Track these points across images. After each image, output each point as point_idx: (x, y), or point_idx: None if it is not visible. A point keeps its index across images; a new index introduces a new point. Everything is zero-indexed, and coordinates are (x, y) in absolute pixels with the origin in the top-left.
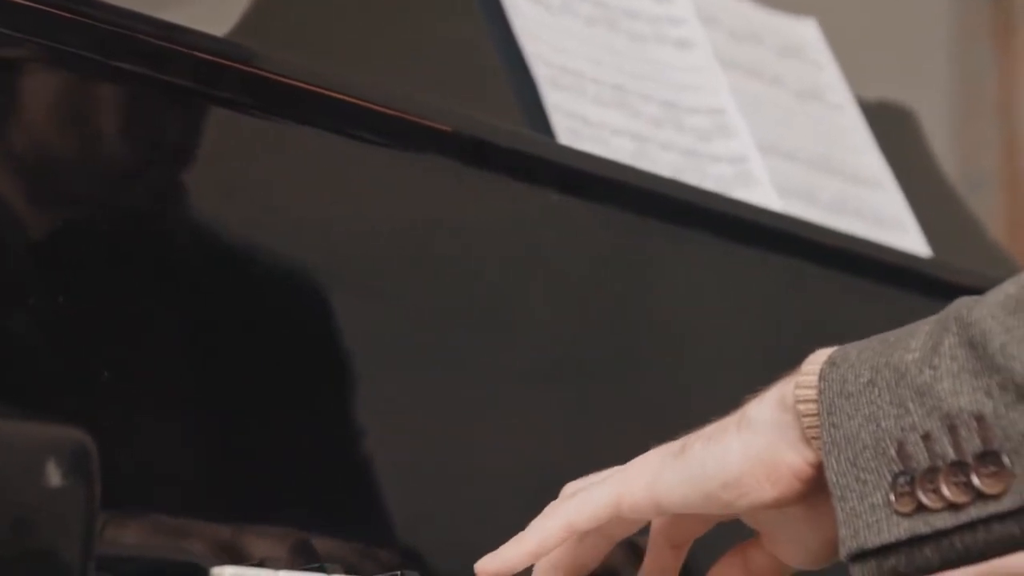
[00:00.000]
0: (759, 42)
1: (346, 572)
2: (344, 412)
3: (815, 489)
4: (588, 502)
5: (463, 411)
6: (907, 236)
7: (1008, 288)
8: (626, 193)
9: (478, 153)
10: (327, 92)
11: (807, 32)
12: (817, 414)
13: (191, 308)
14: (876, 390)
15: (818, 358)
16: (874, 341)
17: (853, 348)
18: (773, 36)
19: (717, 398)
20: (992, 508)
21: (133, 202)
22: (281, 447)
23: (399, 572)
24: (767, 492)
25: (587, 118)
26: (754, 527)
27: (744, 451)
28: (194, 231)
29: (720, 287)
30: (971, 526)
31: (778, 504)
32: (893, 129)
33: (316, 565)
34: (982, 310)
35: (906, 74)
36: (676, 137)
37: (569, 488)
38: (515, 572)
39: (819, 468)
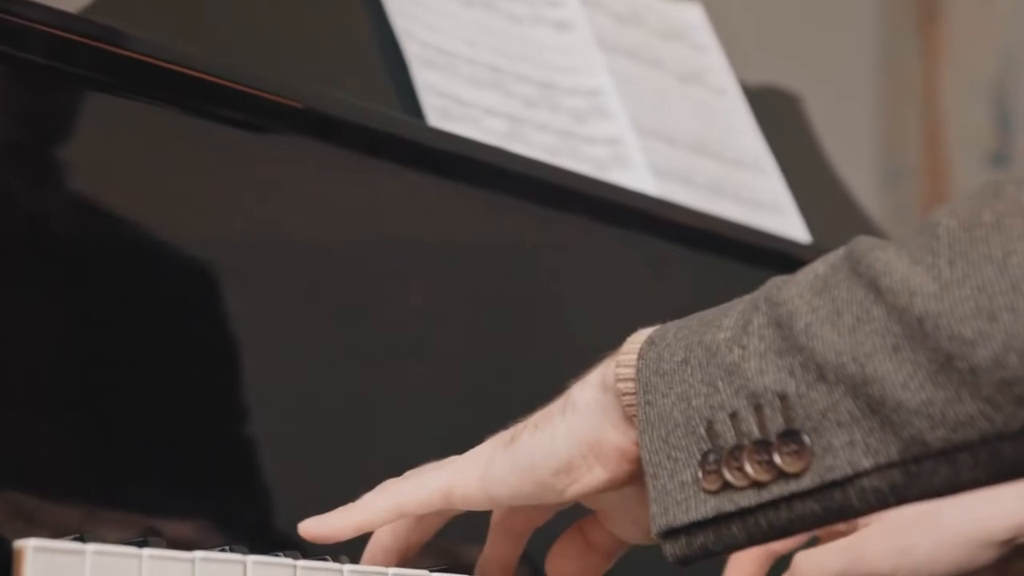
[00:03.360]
0: (641, 25)
1: (171, 547)
2: (188, 390)
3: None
4: (420, 488)
5: (316, 390)
6: (786, 220)
7: (817, 267)
8: (480, 172)
9: (330, 130)
10: (176, 68)
11: (691, 16)
12: (635, 393)
13: (33, 288)
14: (689, 368)
15: (639, 337)
16: (692, 320)
17: (672, 327)
18: (656, 19)
19: None
20: (793, 486)
21: None
22: (120, 424)
23: (227, 547)
24: (599, 475)
25: (460, 98)
26: (590, 507)
27: (570, 435)
28: (40, 209)
29: (589, 269)
30: (774, 504)
31: (611, 486)
32: (778, 114)
33: (138, 540)
34: (791, 290)
35: (830, 64)
36: (551, 118)
37: (411, 474)
38: (338, 540)
39: None
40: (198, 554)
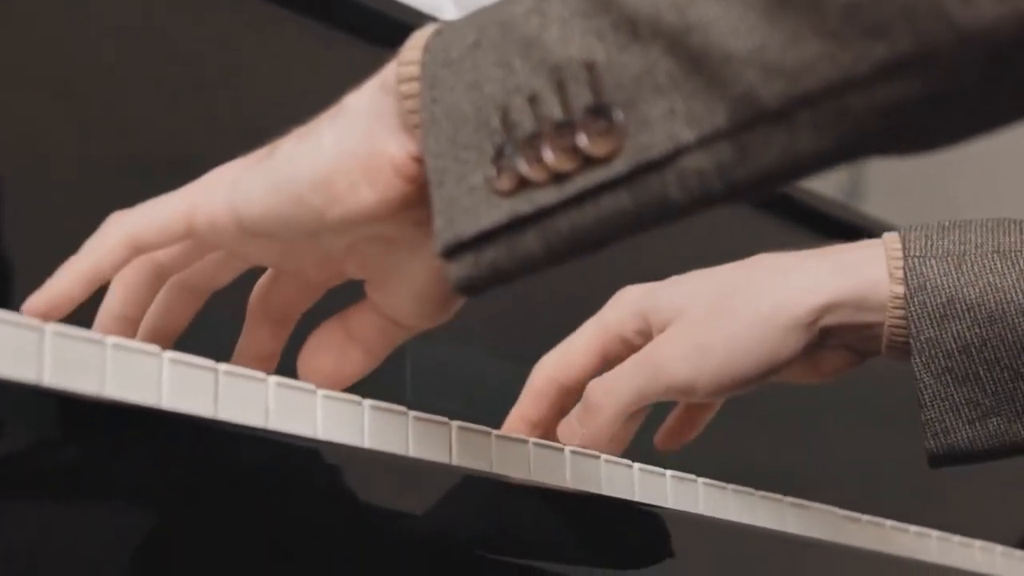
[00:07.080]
0: None
1: None
2: None
3: (422, 200)
4: (155, 211)
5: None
6: None
7: None
8: None
9: None
10: None
11: None
12: (420, 94)
13: None
14: (481, 51)
15: (425, 32)
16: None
17: (467, 15)
18: None
19: None
20: (601, 174)
21: None
22: None
23: None
24: (366, 196)
25: None
26: (360, 275)
27: (338, 144)
28: None
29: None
30: (578, 200)
31: (381, 211)
32: None
33: None
34: None
35: None
36: None
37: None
38: (71, 303)
39: (423, 163)
40: (111, 341)
